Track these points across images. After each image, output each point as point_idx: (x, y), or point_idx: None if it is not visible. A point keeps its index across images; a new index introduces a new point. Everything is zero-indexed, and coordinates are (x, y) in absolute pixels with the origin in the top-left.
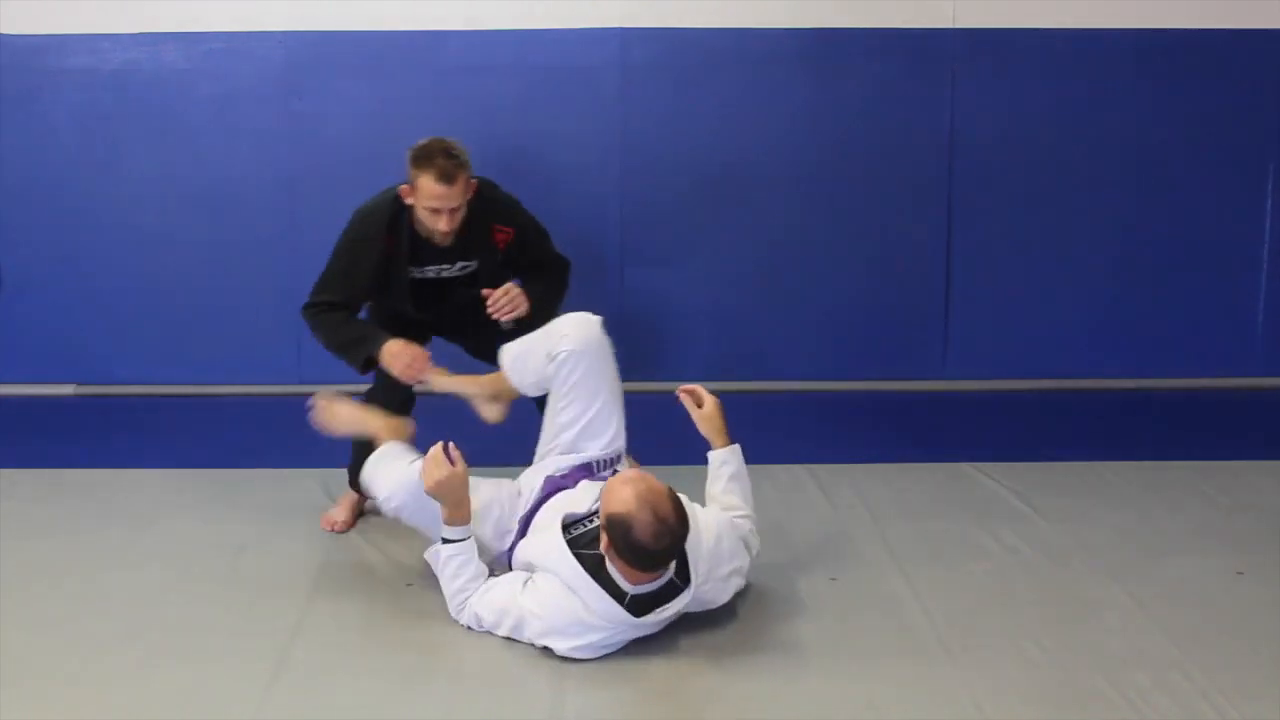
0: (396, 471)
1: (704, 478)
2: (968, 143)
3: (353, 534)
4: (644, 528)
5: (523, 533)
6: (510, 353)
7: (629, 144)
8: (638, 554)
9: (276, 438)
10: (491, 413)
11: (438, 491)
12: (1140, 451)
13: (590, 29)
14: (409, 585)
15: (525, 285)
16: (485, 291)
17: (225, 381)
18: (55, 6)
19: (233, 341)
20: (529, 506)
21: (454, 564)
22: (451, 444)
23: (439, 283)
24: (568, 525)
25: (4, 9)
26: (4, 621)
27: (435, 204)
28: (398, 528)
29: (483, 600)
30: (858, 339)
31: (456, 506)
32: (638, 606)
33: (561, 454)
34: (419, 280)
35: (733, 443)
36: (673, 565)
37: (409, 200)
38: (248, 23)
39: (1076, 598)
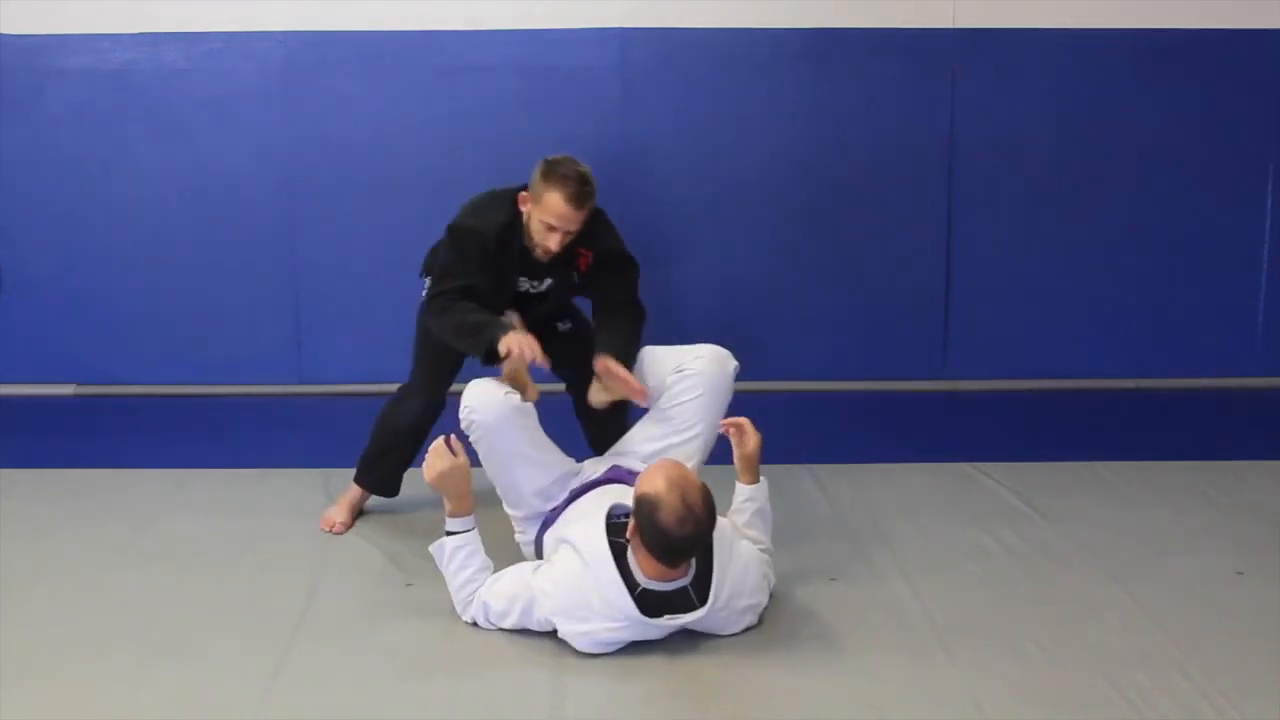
0: (489, 391)
1: (711, 475)
2: (968, 143)
3: (353, 534)
4: (670, 512)
5: (569, 502)
6: (646, 351)
7: (629, 144)
8: (660, 538)
9: (276, 438)
10: (598, 396)
11: (440, 483)
12: (1140, 451)
13: (590, 29)
14: (409, 585)
15: (606, 336)
16: (601, 365)
17: (225, 381)
18: (55, 6)
19: (233, 341)
20: (584, 482)
21: (460, 555)
22: (454, 436)
23: (522, 297)
24: (613, 514)
25: (4, 9)
26: (4, 621)
27: (557, 222)
28: (398, 528)
29: (491, 590)
30: (858, 339)
31: (459, 499)
32: (647, 603)
33: (637, 459)
34: (514, 293)
35: (760, 480)
36: (691, 572)
37: (525, 208)
38: (248, 23)
39: (1076, 598)
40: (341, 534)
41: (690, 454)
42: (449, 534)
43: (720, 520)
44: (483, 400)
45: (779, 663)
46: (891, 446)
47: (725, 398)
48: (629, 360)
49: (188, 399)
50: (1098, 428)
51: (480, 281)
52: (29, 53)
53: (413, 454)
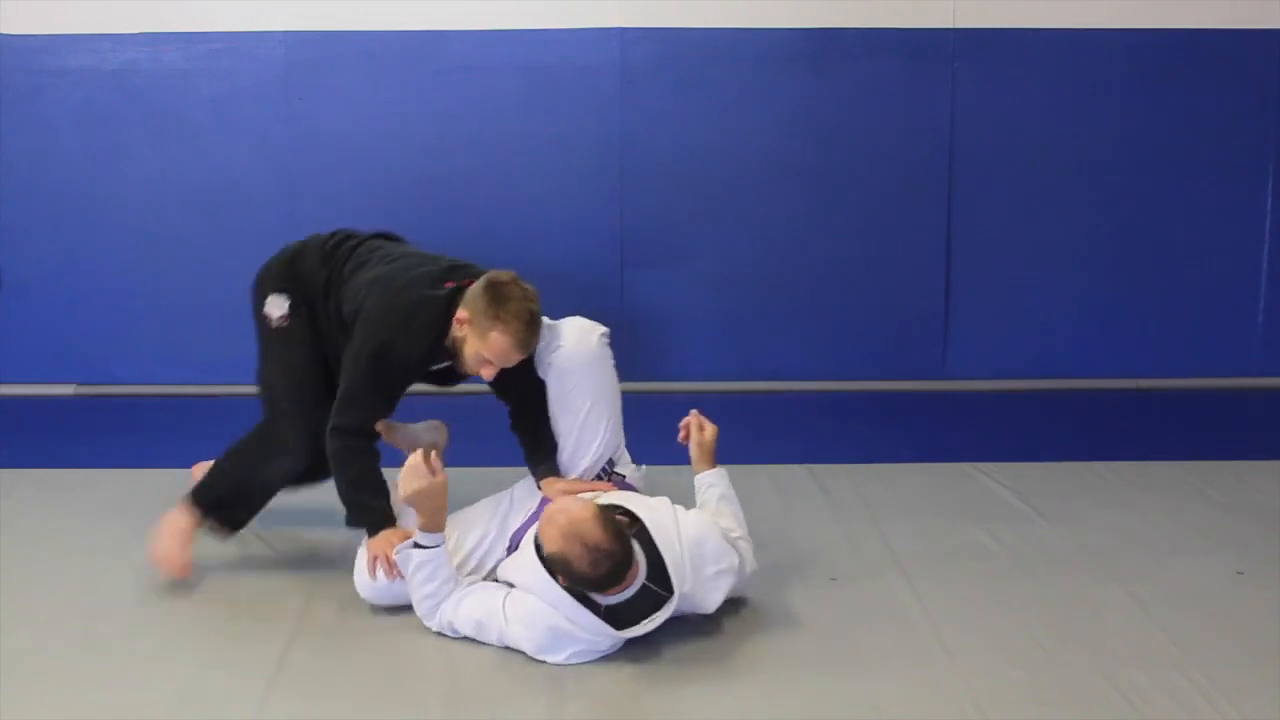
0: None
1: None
2: (968, 143)
3: (352, 534)
4: (580, 560)
5: (513, 548)
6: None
7: (629, 144)
8: (587, 582)
9: None
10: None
11: (415, 500)
12: (1140, 451)
13: (590, 29)
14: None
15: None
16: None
17: (225, 381)
18: (55, 6)
19: (233, 341)
20: (522, 523)
21: (425, 570)
22: (434, 453)
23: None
24: (539, 544)
25: (4, 9)
26: (4, 621)
27: (498, 361)
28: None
29: (458, 611)
30: (858, 339)
31: (433, 515)
32: (615, 618)
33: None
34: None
35: (717, 466)
36: (641, 570)
37: (461, 330)
38: (248, 23)
39: (1076, 598)
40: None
41: (595, 427)
42: (418, 546)
43: (653, 503)
44: (370, 589)
45: (779, 662)
46: (891, 446)
47: (601, 364)
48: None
49: (188, 399)
50: (1098, 428)
51: (386, 414)
52: (29, 53)
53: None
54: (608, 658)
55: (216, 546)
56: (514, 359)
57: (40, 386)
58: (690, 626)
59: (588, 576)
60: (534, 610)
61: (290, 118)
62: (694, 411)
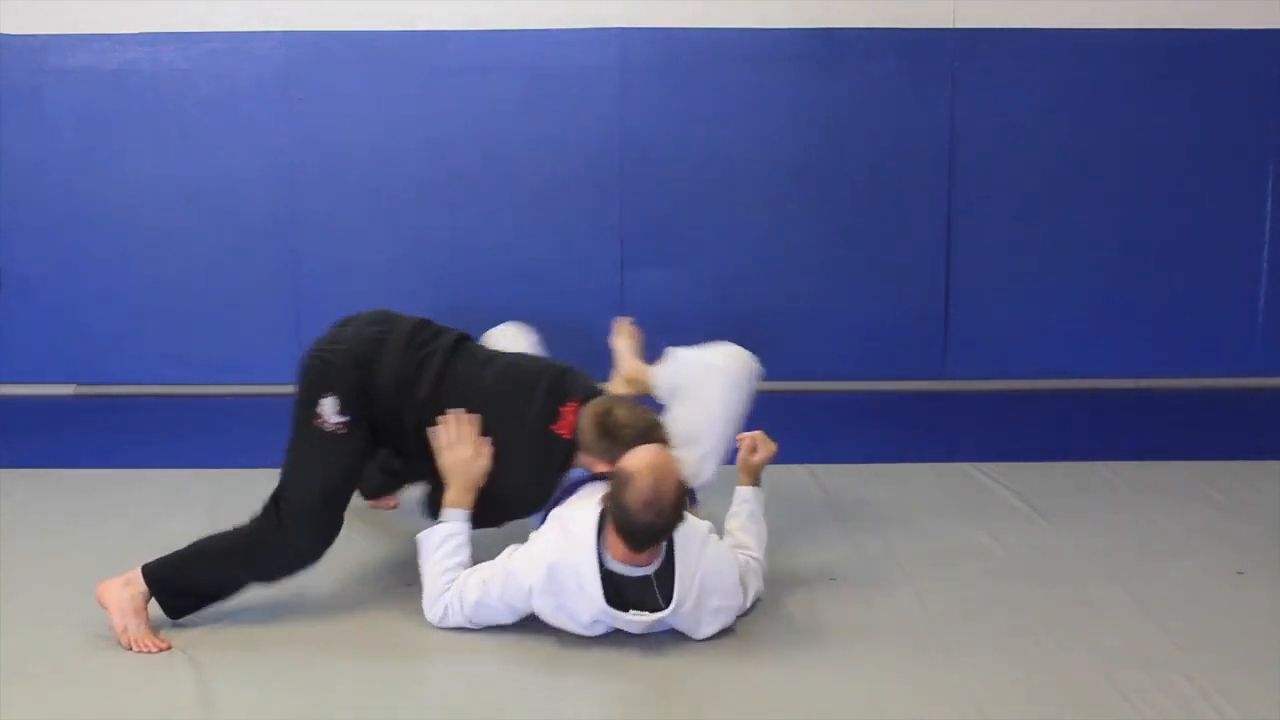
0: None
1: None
2: (968, 143)
3: (352, 534)
4: (638, 492)
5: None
6: (677, 355)
7: (629, 144)
8: (622, 514)
9: (276, 438)
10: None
11: (453, 469)
12: (1140, 451)
13: (590, 29)
14: (409, 585)
15: None
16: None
17: (225, 381)
18: (55, 6)
19: (233, 341)
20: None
21: (450, 544)
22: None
23: None
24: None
25: (4, 9)
26: (4, 621)
27: None
28: (397, 528)
29: (468, 581)
30: (858, 339)
31: (465, 492)
32: (610, 587)
33: None
34: None
35: (759, 486)
36: (656, 562)
37: (595, 466)
38: (248, 23)
39: (1076, 598)
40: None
41: (713, 449)
42: (443, 523)
43: (694, 521)
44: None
45: (779, 662)
46: (891, 446)
47: (743, 395)
48: None
49: (188, 399)
50: (1098, 428)
51: None
52: (29, 53)
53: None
54: (606, 655)
55: None
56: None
57: (40, 386)
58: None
59: (628, 509)
60: (544, 548)
61: (290, 118)
62: (758, 432)
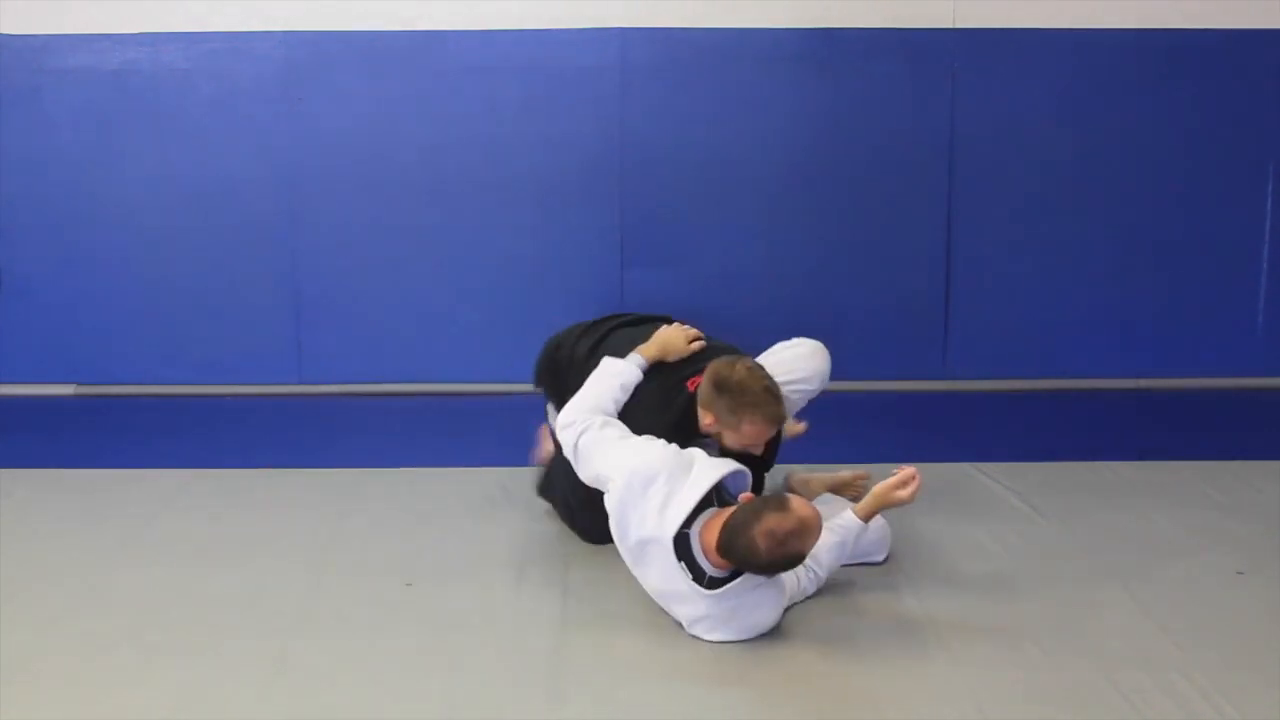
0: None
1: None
2: (968, 143)
3: (353, 534)
4: (778, 522)
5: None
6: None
7: (629, 144)
8: (746, 521)
9: (276, 438)
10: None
11: (662, 337)
12: (1140, 451)
13: (590, 29)
14: (409, 585)
15: None
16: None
17: (225, 381)
18: (55, 6)
19: (233, 341)
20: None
21: (624, 379)
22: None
23: None
24: (726, 482)
25: (4, 9)
26: (4, 621)
27: (760, 441)
28: (397, 528)
29: (606, 427)
30: (858, 339)
31: (659, 349)
32: (678, 546)
33: None
34: None
35: (867, 524)
36: (720, 573)
37: (712, 429)
38: (248, 23)
39: (1076, 598)
40: None
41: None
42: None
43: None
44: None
45: (778, 663)
46: (891, 446)
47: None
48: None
49: (188, 399)
50: (1098, 428)
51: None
52: (29, 53)
53: None
54: (606, 656)
55: (208, 548)
56: (773, 432)
57: (40, 386)
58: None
59: (758, 524)
60: (667, 459)
61: (290, 118)
62: (917, 475)
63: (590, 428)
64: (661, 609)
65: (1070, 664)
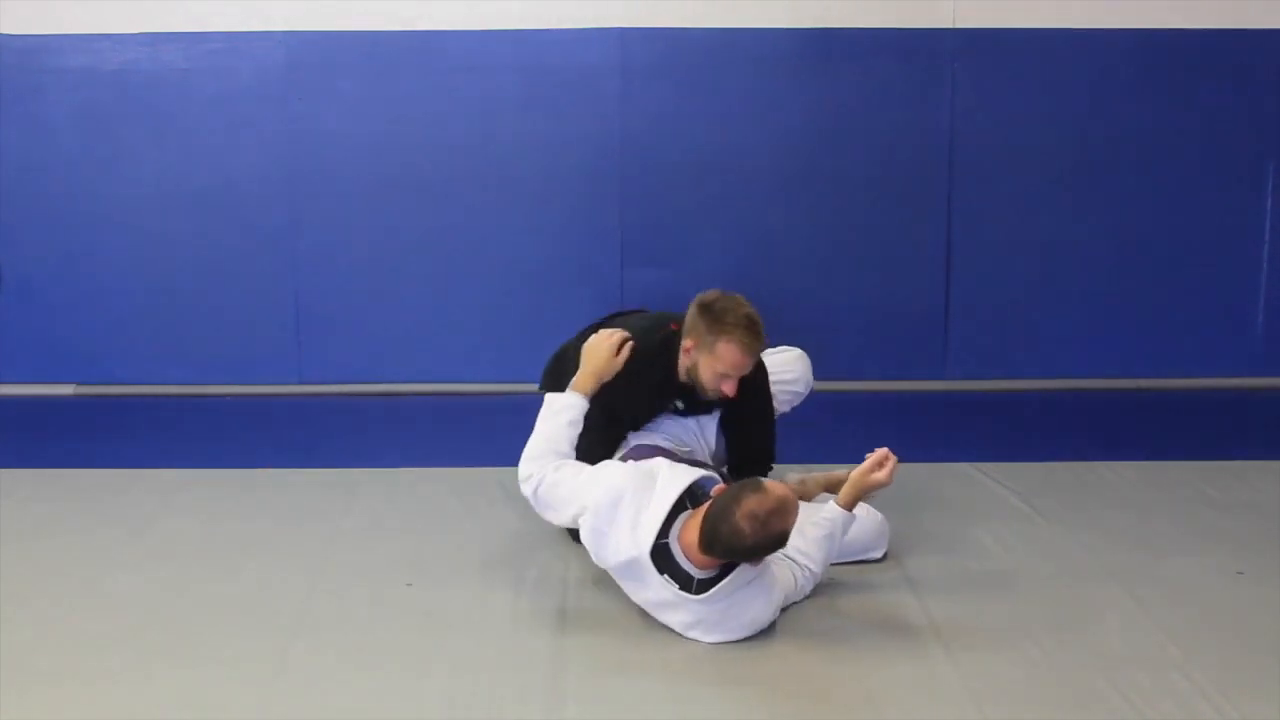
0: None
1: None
2: (968, 143)
3: (353, 534)
4: (757, 502)
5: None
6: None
7: (629, 144)
8: (724, 509)
9: (276, 438)
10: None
11: (588, 353)
12: (1140, 451)
13: (590, 29)
14: (409, 585)
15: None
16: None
17: (225, 381)
18: (55, 6)
19: (233, 341)
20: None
21: (569, 415)
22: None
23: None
24: (699, 484)
25: (4, 9)
26: (4, 621)
27: (733, 371)
28: (398, 528)
29: (562, 470)
30: (858, 339)
31: (592, 378)
32: (660, 553)
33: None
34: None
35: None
36: (708, 574)
37: (689, 357)
38: (248, 23)
39: (1076, 598)
40: None
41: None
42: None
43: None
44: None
45: (778, 663)
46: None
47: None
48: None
49: (188, 399)
50: (1098, 428)
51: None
52: (29, 53)
53: None
54: (606, 656)
55: (208, 549)
56: (747, 364)
57: (40, 386)
58: None
59: (737, 509)
60: (629, 477)
61: (290, 118)
62: (890, 455)
63: (544, 477)
64: None
65: (1070, 664)
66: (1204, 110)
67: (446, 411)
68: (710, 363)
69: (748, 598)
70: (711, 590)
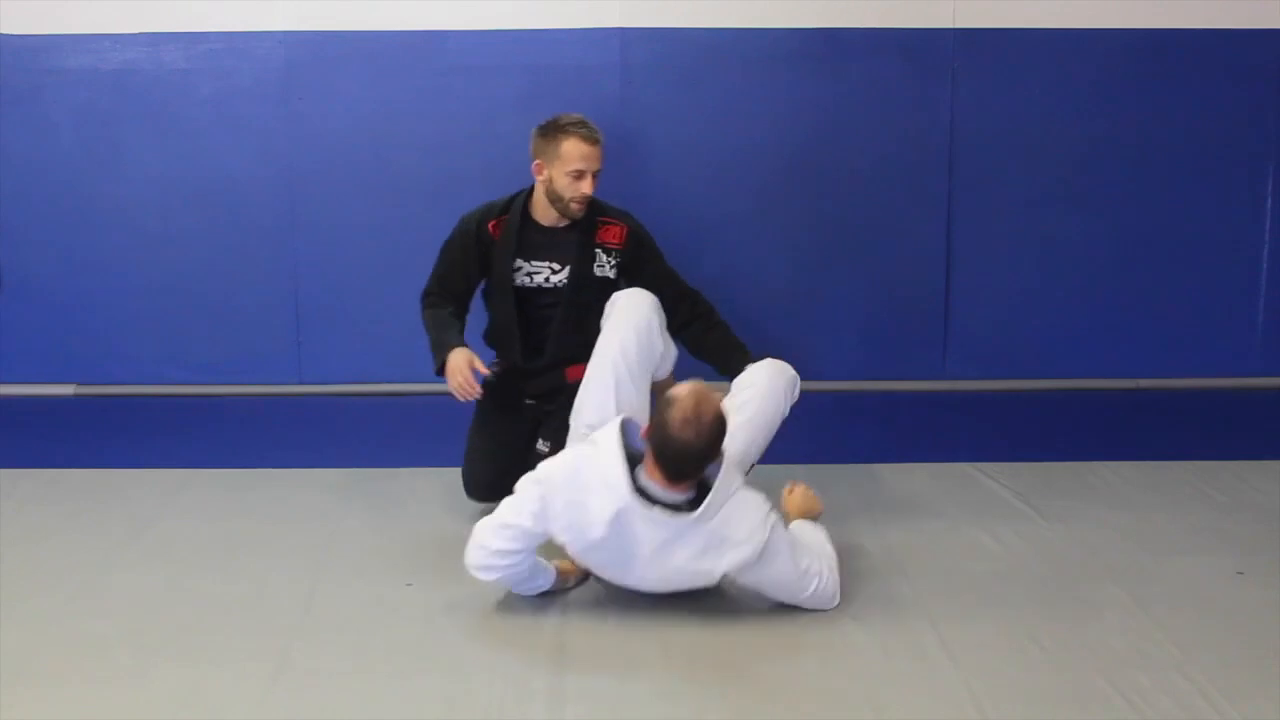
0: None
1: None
2: (968, 143)
3: (353, 534)
4: (679, 410)
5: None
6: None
7: (629, 144)
8: (661, 432)
9: (276, 438)
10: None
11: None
12: (1140, 451)
13: (590, 29)
14: (409, 585)
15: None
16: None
17: (225, 381)
18: (55, 6)
19: (233, 341)
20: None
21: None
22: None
23: (541, 300)
24: (627, 425)
25: (4, 9)
26: (4, 621)
27: (583, 165)
28: (398, 528)
29: (490, 518)
30: (858, 339)
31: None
32: (642, 495)
33: None
34: (523, 289)
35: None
36: (688, 495)
37: (542, 175)
38: (248, 23)
39: (1076, 598)
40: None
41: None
42: None
43: (736, 476)
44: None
45: (778, 663)
46: (891, 446)
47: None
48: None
49: (188, 399)
50: (1098, 428)
51: (456, 287)
52: (29, 53)
53: None
54: (607, 657)
55: (208, 549)
56: (592, 155)
57: (40, 386)
58: (689, 625)
59: (668, 426)
60: (573, 453)
61: (290, 118)
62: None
63: (482, 526)
64: (670, 604)
65: (1070, 664)
66: (1204, 110)
67: (446, 411)
68: (560, 167)
69: (744, 504)
70: (704, 504)
